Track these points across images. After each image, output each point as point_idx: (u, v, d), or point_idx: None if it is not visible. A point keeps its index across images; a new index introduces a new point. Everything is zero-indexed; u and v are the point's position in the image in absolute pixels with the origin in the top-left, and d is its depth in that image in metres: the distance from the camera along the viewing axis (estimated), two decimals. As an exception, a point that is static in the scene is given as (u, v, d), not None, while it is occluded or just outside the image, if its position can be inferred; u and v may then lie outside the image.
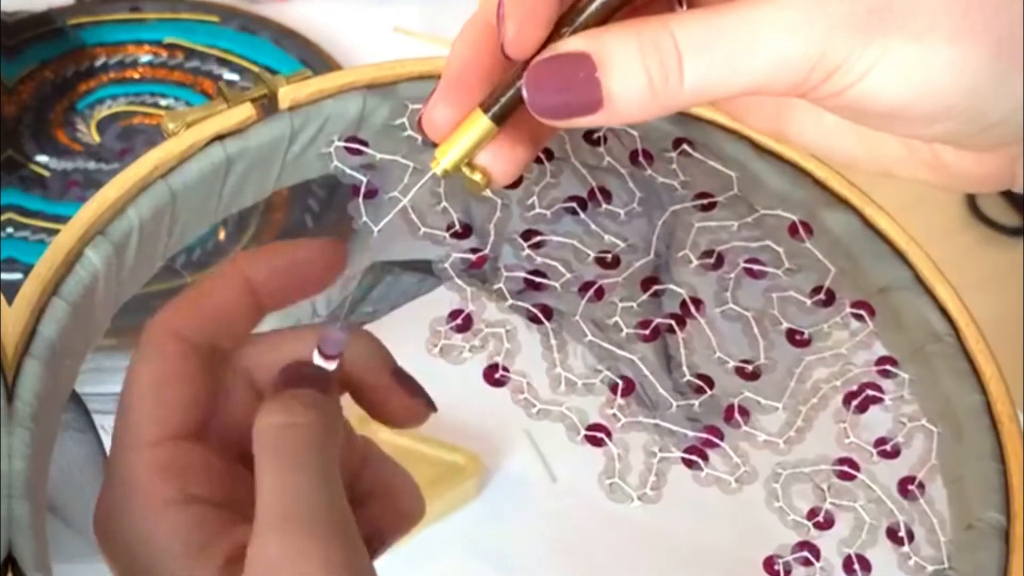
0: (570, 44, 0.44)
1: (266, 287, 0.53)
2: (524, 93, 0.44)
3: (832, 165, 0.59)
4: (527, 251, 0.54)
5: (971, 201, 1.15)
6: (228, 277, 0.53)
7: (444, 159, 0.47)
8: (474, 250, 0.54)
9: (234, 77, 1.22)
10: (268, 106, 0.56)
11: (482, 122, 0.47)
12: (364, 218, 0.53)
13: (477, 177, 0.48)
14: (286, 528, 0.45)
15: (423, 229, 0.54)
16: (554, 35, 0.45)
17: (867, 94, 0.43)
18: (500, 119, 0.47)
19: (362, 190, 0.54)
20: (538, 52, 0.45)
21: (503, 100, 0.46)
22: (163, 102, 1.20)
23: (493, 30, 0.46)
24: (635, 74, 0.43)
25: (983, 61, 0.42)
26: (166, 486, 0.48)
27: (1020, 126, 0.43)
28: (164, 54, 1.24)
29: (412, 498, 0.55)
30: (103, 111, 1.19)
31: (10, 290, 0.48)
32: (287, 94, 0.56)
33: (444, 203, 0.54)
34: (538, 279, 0.54)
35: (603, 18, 0.45)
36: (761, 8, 0.42)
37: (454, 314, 0.53)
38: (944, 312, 0.56)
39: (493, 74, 0.47)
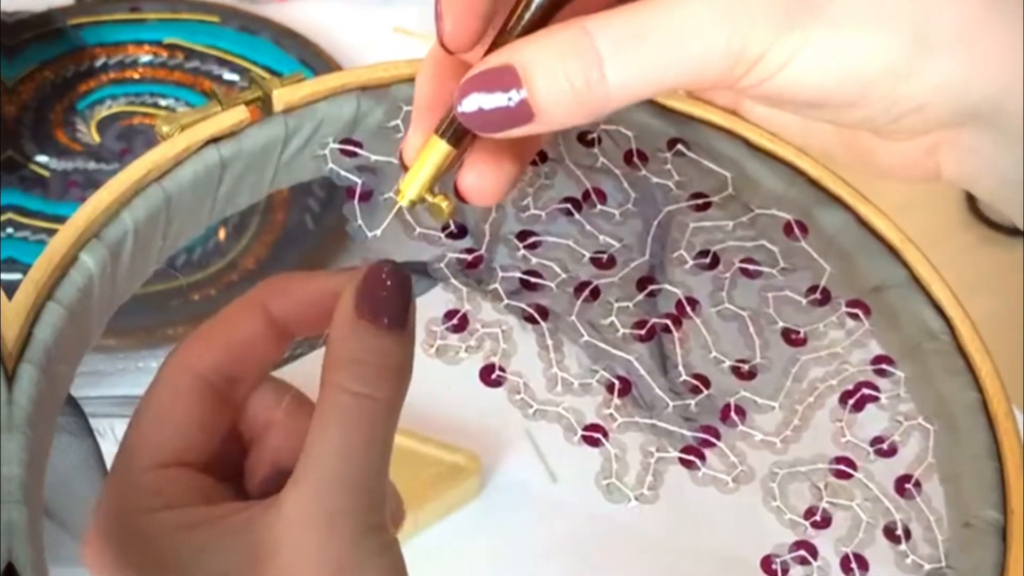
0: (493, 58, 0.44)
1: (289, 318, 0.52)
2: (456, 107, 0.45)
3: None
4: (522, 251, 0.55)
5: (971, 201, 1.15)
6: (248, 309, 0.52)
7: (408, 190, 0.48)
8: (469, 251, 0.54)
9: (234, 77, 1.21)
10: (262, 108, 0.56)
11: (439, 146, 0.48)
12: (359, 221, 0.53)
13: (444, 205, 0.48)
14: (330, 489, 0.46)
15: (418, 230, 0.54)
16: (499, 39, 0.46)
17: (788, 83, 0.43)
18: (456, 140, 0.47)
19: (357, 192, 0.54)
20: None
21: (458, 122, 0.47)
22: (163, 102, 1.20)
23: (451, 60, 0.48)
24: (557, 82, 0.43)
25: (898, 48, 0.42)
26: (152, 500, 0.48)
27: (936, 113, 0.44)
28: (164, 54, 1.24)
29: (396, 502, 0.55)
30: (103, 111, 1.19)
31: (10, 290, 0.48)
32: (281, 96, 0.56)
33: None
34: (533, 279, 0.54)
35: (544, 19, 0.45)
36: (681, 3, 0.42)
37: (450, 314, 0.53)
38: (939, 310, 0.56)
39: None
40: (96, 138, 1.16)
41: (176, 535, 0.47)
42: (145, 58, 1.23)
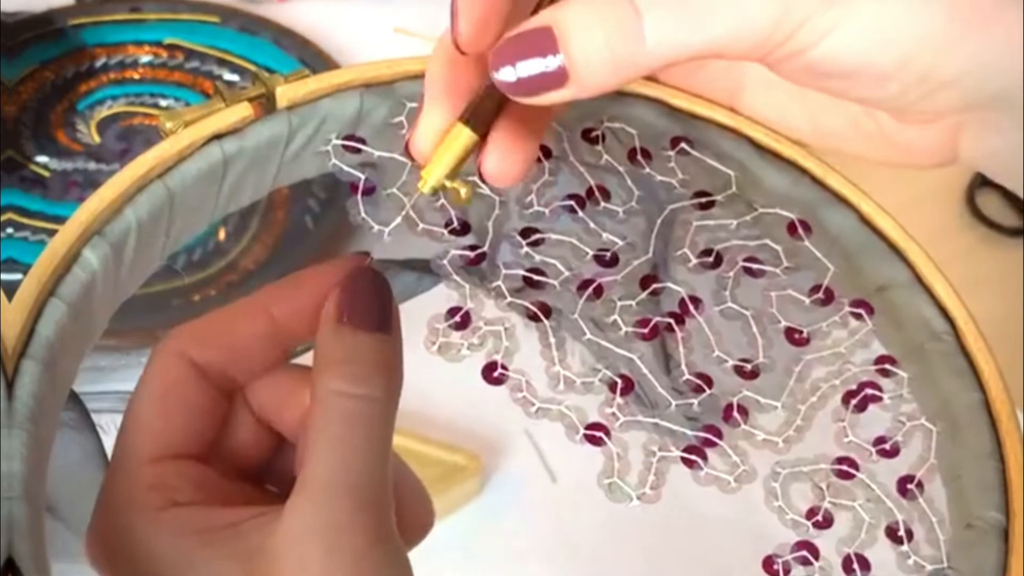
0: (532, 21, 0.44)
1: (293, 321, 0.51)
2: (492, 73, 0.45)
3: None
4: (526, 249, 0.54)
5: (971, 201, 1.15)
6: (250, 311, 0.52)
7: (431, 177, 0.48)
8: (472, 247, 0.54)
9: (234, 78, 1.22)
10: (266, 105, 0.56)
11: (464, 135, 0.48)
12: (363, 214, 0.53)
13: (463, 191, 0.49)
14: (333, 498, 0.45)
15: (421, 225, 0.54)
16: None
17: (829, 52, 0.43)
18: (482, 130, 0.48)
19: (360, 187, 0.54)
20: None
21: (482, 110, 0.47)
22: (163, 103, 1.20)
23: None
24: (594, 39, 0.43)
25: (938, 18, 0.43)
26: (154, 497, 0.48)
27: (967, 91, 0.44)
28: (164, 55, 1.24)
29: (425, 509, 0.54)
30: (103, 111, 1.19)
31: (10, 290, 0.48)
32: (285, 93, 0.56)
33: (442, 200, 0.54)
34: (536, 277, 0.54)
35: None
36: None
37: (452, 311, 0.53)
38: (943, 310, 0.56)
39: (470, 85, 0.48)
40: (96, 138, 1.16)
41: (176, 540, 0.46)
42: (145, 58, 1.24)
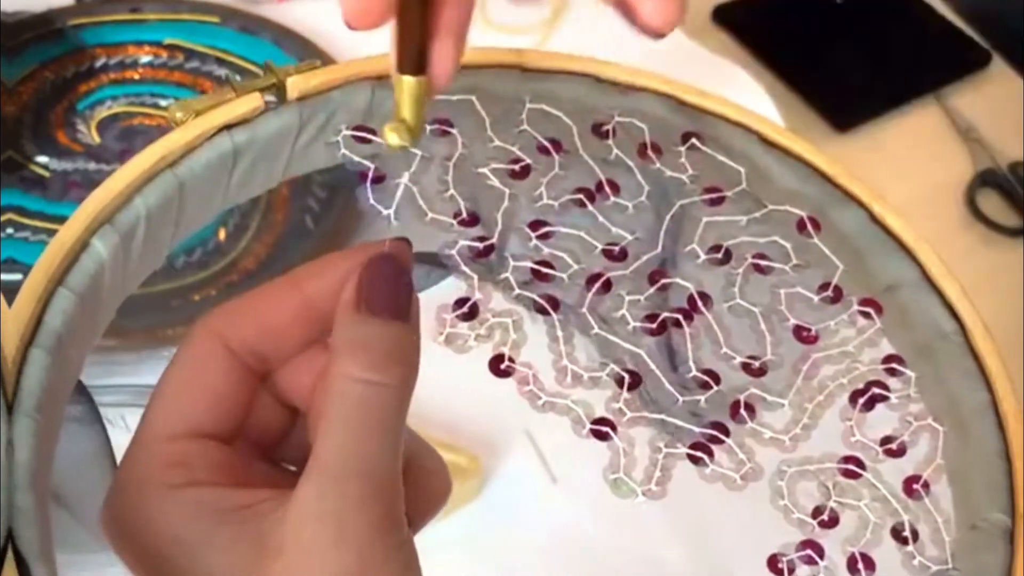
0: None
1: (326, 301, 0.50)
2: None
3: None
4: (534, 241, 0.54)
5: (971, 201, 1.15)
6: (282, 290, 0.51)
7: (390, 136, 0.49)
8: (481, 238, 0.54)
9: (234, 78, 1.21)
10: (277, 96, 0.56)
11: (404, 82, 0.48)
12: (371, 200, 0.53)
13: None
14: (340, 484, 0.45)
15: (430, 215, 0.53)
16: None
17: None
18: (415, 69, 0.48)
19: (370, 175, 0.54)
20: None
21: (406, 53, 0.48)
22: (163, 103, 1.19)
23: None
24: None
25: None
26: (173, 474, 0.47)
27: None
28: (164, 55, 1.24)
29: (442, 479, 0.54)
30: (103, 112, 1.19)
31: (10, 290, 0.47)
32: (296, 84, 0.55)
33: (452, 191, 0.54)
34: (545, 270, 0.54)
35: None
36: None
37: (460, 302, 0.53)
38: (951, 310, 0.56)
39: None
40: (96, 139, 1.16)
41: (190, 518, 0.46)
42: (145, 58, 1.23)
